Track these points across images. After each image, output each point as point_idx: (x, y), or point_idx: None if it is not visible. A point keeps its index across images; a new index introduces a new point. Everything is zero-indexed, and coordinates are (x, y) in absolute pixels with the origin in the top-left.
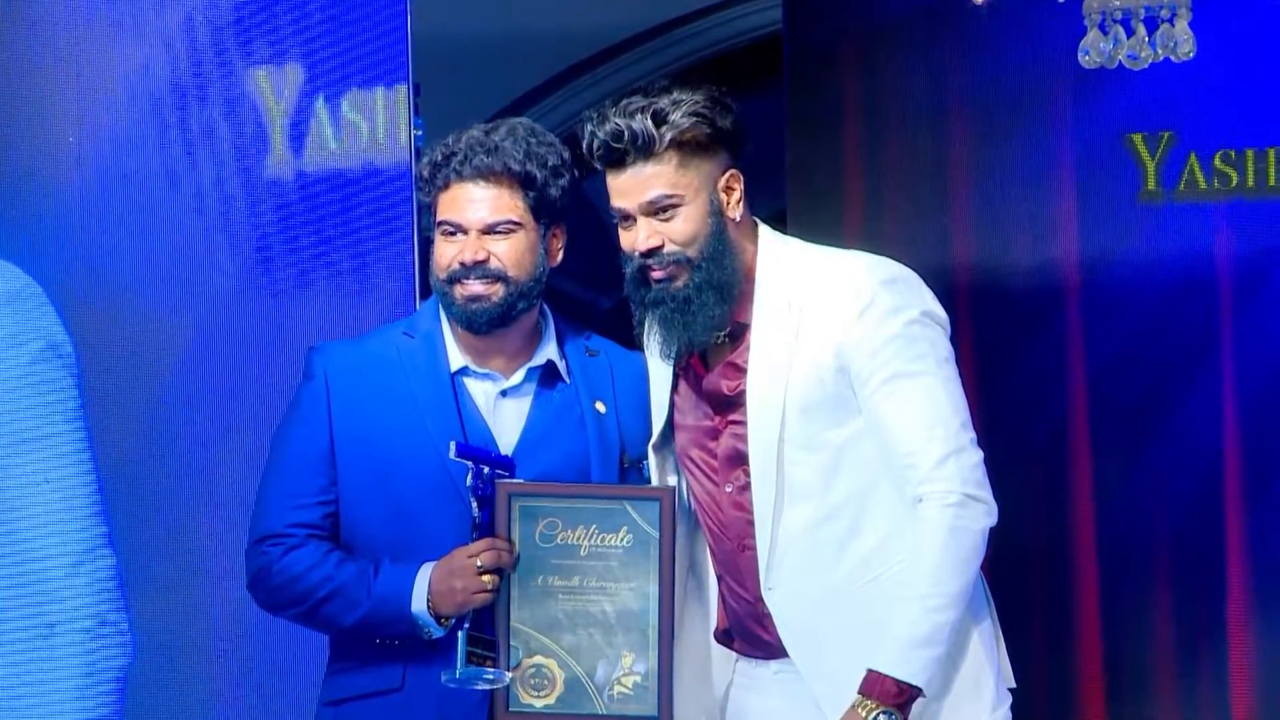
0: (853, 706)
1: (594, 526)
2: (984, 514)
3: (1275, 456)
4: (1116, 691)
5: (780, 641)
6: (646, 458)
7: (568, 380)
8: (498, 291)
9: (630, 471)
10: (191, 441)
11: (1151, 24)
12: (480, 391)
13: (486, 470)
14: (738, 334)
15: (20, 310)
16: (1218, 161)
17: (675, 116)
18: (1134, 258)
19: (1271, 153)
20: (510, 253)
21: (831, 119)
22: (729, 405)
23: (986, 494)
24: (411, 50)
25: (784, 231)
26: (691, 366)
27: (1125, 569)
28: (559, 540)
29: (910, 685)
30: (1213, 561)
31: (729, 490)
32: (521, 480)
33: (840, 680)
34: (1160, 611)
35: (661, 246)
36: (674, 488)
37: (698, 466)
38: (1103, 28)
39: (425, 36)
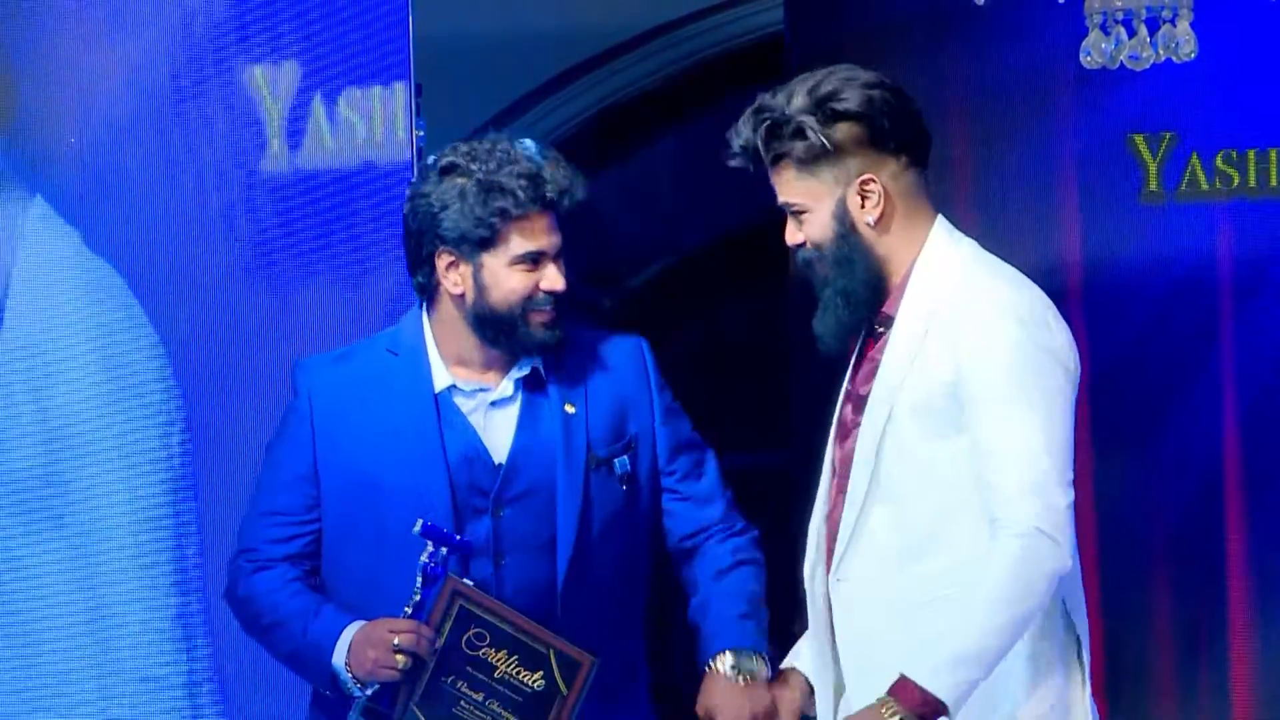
0: (878, 702)
1: (516, 657)
2: (1054, 555)
3: (1276, 457)
4: (1116, 692)
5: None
6: (619, 456)
7: (547, 385)
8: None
9: (598, 470)
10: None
11: (1153, 24)
12: (470, 405)
13: (444, 552)
14: (885, 329)
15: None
16: (1219, 162)
17: (783, 132)
18: (1135, 258)
19: (1273, 153)
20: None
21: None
22: (860, 406)
23: (1063, 538)
24: (413, 51)
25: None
26: (859, 360)
27: (1125, 570)
28: (481, 653)
29: (938, 700)
30: (1213, 562)
31: (844, 494)
32: (471, 584)
33: (881, 688)
34: (1160, 612)
35: (803, 244)
36: (598, 660)
37: (830, 463)
38: (1104, 28)
39: (426, 37)
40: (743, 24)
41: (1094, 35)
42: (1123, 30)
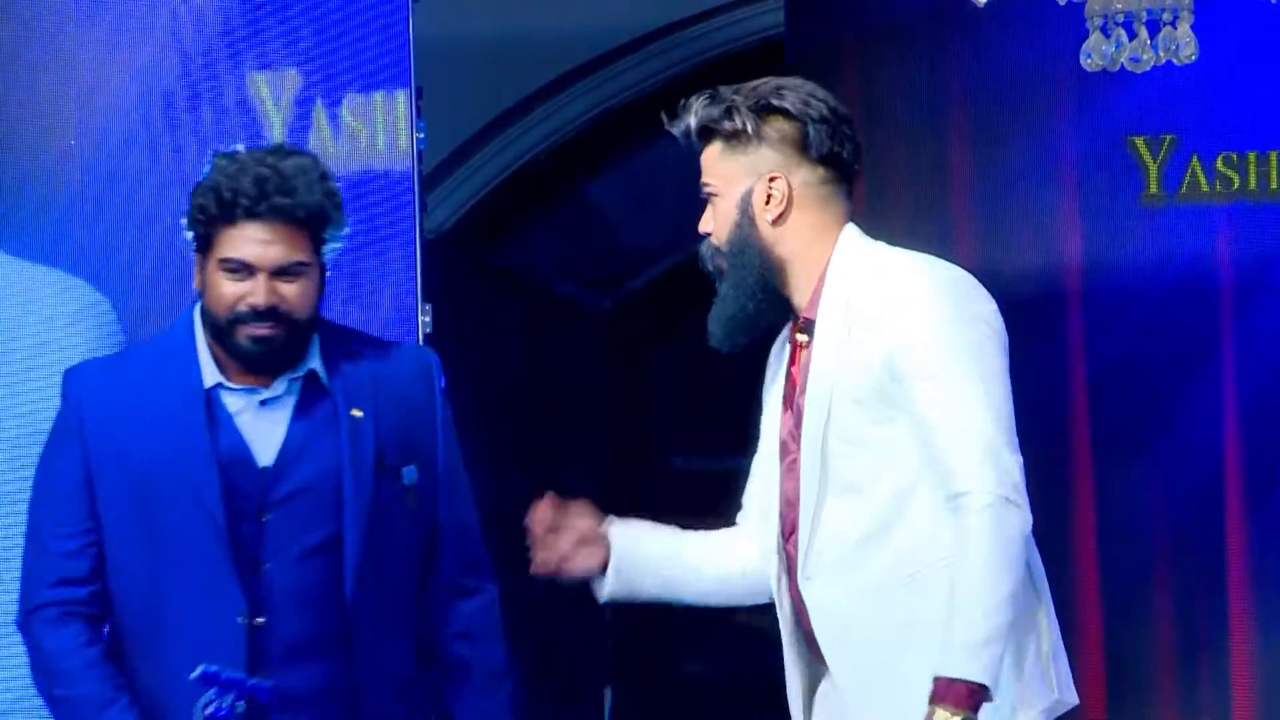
0: (927, 715)
1: None
2: (1020, 518)
3: (1276, 459)
4: (1117, 692)
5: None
6: (406, 466)
7: (328, 388)
8: (281, 333)
9: (388, 476)
10: None
11: (1153, 27)
12: (238, 404)
13: (229, 700)
14: (808, 333)
15: (100, 324)
16: (1219, 164)
17: (712, 109)
18: (1136, 260)
19: (1273, 155)
20: (300, 295)
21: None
22: (801, 417)
23: (1023, 499)
24: (413, 54)
25: None
26: (789, 375)
27: (1126, 571)
28: None
29: (980, 685)
30: (1214, 564)
31: (791, 484)
32: None
33: (868, 676)
34: (1161, 613)
35: (711, 233)
36: None
37: (784, 464)
38: (1105, 30)
39: (426, 40)
40: (742, 26)
41: (1094, 37)
42: (1123, 32)
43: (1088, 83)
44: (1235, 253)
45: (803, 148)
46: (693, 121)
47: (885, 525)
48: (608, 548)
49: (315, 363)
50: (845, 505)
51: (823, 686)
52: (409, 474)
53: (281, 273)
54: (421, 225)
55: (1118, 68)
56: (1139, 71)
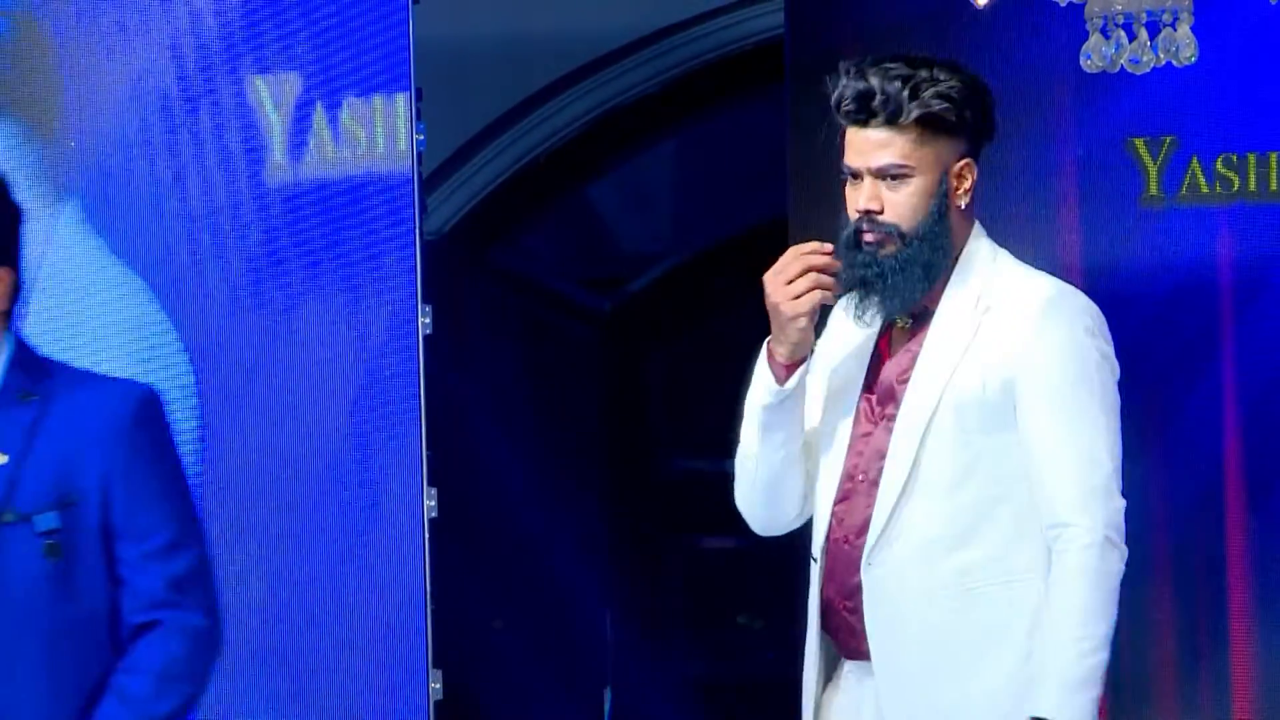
0: None
1: None
2: (1120, 559)
3: (1277, 460)
4: (1117, 692)
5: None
6: (46, 512)
7: None
8: None
9: (13, 526)
10: (189, 451)
11: (1153, 28)
12: None
13: None
14: (922, 321)
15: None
16: (1219, 166)
17: (927, 94)
18: (1135, 262)
19: (1273, 157)
20: None
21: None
22: (889, 397)
23: (1122, 541)
24: (413, 56)
25: (784, 234)
26: (879, 351)
27: (1126, 571)
28: None
29: None
30: (1214, 565)
31: (861, 480)
32: None
33: (908, 680)
34: (1161, 614)
35: (881, 211)
36: None
37: (848, 455)
38: (1105, 32)
39: (426, 41)
40: (743, 28)
41: (1094, 39)
42: (1123, 34)
43: (1087, 84)
44: (1235, 254)
45: (977, 137)
46: (905, 103)
47: (959, 534)
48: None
49: None
50: (926, 504)
51: (845, 681)
52: (46, 521)
53: None
54: (421, 227)
55: (1118, 69)
56: (1139, 73)
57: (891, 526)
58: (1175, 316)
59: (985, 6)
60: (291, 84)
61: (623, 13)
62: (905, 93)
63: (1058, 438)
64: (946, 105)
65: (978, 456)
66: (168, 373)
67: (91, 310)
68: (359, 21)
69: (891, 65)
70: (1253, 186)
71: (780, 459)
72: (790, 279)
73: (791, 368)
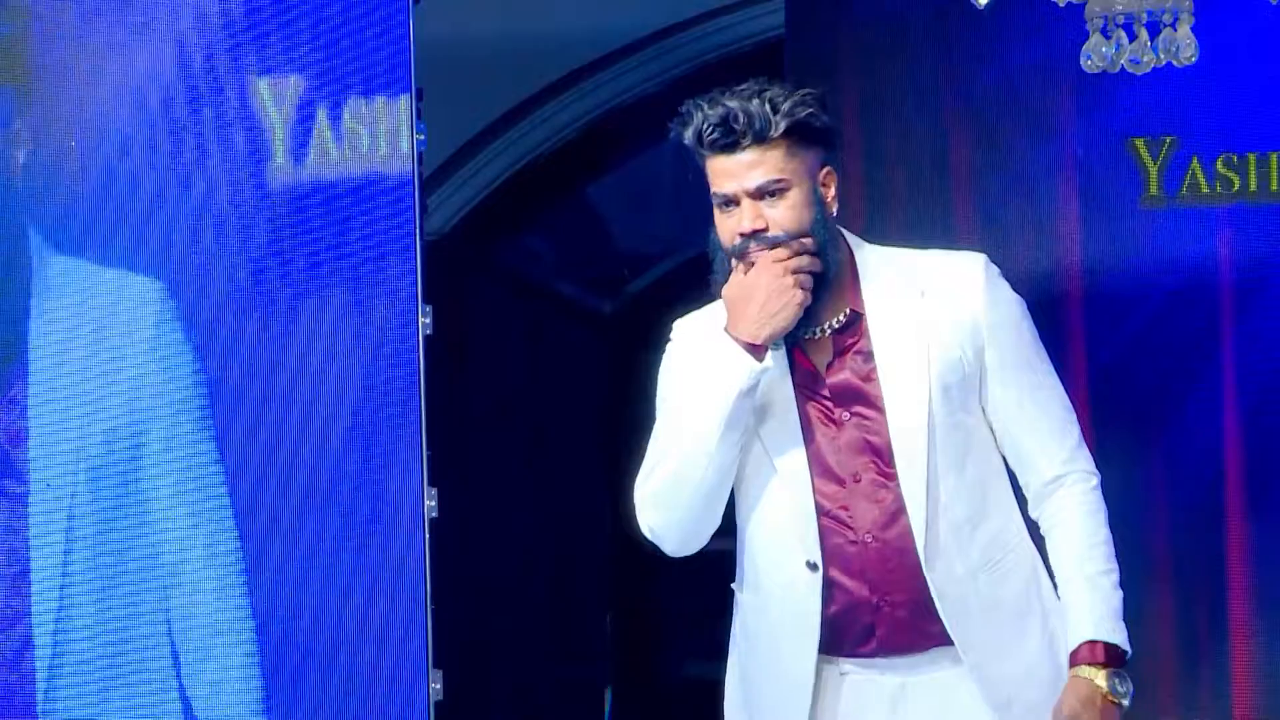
0: (1081, 678)
1: None
2: None
3: (1277, 461)
4: None
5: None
6: None
7: None
8: None
9: None
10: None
11: (1154, 28)
12: None
13: None
14: (850, 324)
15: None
16: (1220, 166)
17: (787, 105)
18: (1136, 262)
19: (1274, 157)
20: None
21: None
22: (855, 397)
23: None
24: (414, 56)
25: None
26: (796, 362)
27: (1126, 572)
28: None
29: (1124, 650)
30: (1214, 564)
31: (858, 484)
32: None
33: (990, 652)
34: (1161, 615)
35: (766, 229)
36: None
37: (813, 465)
38: (1105, 32)
39: (426, 42)
40: (743, 29)
41: (1094, 39)
42: (1123, 34)
43: (1087, 84)
44: (1236, 254)
45: (834, 144)
46: (771, 119)
47: (976, 510)
48: None
49: None
50: (943, 493)
51: (850, 678)
52: None
53: None
54: (422, 227)
55: (1118, 69)
56: (1139, 73)
57: (931, 526)
58: (1175, 316)
59: (985, 6)
60: (293, 86)
61: (623, 13)
62: (767, 108)
63: (1036, 398)
64: (810, 111)
65: (968, 434)
66: (175, 373)
67: (96, 311)
68: (360, 23)
69: (741, 89)
70: (1253, 186)
71: (731, 460)
72: (783, 259)
73: (762, 349)
